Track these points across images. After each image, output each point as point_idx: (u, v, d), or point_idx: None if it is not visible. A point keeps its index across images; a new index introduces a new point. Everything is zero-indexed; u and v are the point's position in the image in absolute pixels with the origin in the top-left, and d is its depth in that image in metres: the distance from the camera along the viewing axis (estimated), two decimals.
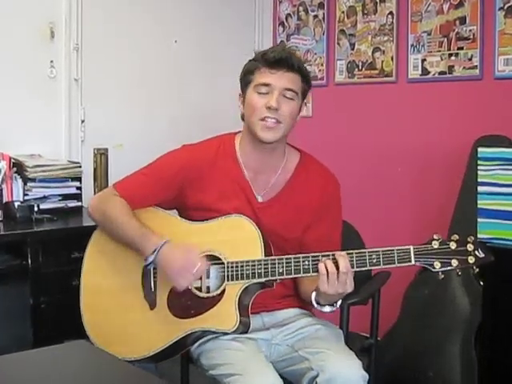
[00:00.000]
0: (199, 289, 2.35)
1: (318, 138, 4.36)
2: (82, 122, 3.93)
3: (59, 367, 1.79)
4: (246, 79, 2.40)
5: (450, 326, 3.31)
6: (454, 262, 2.20)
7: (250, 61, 2.43)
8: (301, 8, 4.56)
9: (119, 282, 2.44)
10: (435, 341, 3.32)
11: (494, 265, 3.01)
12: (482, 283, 3.22)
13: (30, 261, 3.08)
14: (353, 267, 2.22)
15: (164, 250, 2.29)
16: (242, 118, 2.45)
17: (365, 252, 2.24)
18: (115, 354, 2.12)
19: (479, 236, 2.99)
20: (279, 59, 2.33)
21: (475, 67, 3.66)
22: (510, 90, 3.54)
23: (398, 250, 2.21)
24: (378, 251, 2.23)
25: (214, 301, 2.33)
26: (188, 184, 2.42)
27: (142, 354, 2.36)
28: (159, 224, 2.43)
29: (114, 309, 2.44)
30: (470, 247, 2.21)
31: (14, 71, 3.68)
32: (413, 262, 2.21)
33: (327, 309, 2.31)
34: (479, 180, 3.05)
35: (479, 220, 3.02)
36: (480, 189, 3.05)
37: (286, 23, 4.67)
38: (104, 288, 2.46)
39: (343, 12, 4.30)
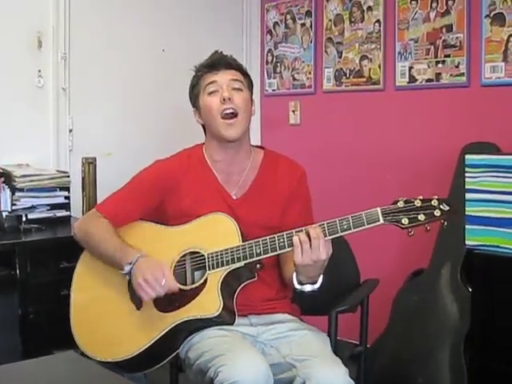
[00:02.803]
0: (183, 285, 2.41)
1: (306, 145, 4.37)
2: (70, 131, 3.93)
3: (48, 379, 1.79)
4: (194, 93, 2.60)
5: (439, 333, 3.31)
6: (421, 217, 2.24)
7: (192, 79, 2.63)
8: (288, 16, 4.57)
9: (107, 291, 2.49)
10: (424, 347, 3.32)
11: (482, 271, 3.03)
12: (470, 289, 3.24)
13: (18, 271, 3.07)
14: (326, 236, 2.27)
15: (138, 263, 2.36)
16: (204, 130, 2.61)
17: (335, 220, 2.28)
18: (106, 356, 2.16)
19: (467, 243, 3.00)
20: (215, 61, 2.55)
21: (462, 74, 3.68)
22: (496, 97, 3.56)
23: (366, 213, 2.27)
24: (348, 217, 2.27)
25: (197, 291, 2.39)
26: (166, 194, 2.52)
27: (132, 352, 2.37)
28: (139, 233, 2.52)
29: (103, 316, 2.48)
30: (434, 202, 2.25)
31: (2, 81, 3.67)
32: (381, 221, 2.25)
33: (308, 287, 2.35)
34: (467, 187, 3.07)
35: (467, 227, 3.03)
36: (468, 196, 3.06)
37: (273, 31, 4.68)
38: (92, 299, 2.51)
39: (330, 20, 4.31)
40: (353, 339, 2.84)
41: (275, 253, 2.34)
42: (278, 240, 2.32)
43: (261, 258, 2.35)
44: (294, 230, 2.31)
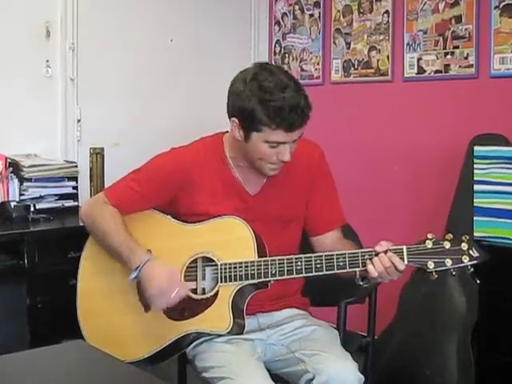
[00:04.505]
0: (194, 291, 2.36)
1: (314, 137, 4.34)
2: (78, 121, 3.93)
3: (57, 367, 1.79)
4: (250, 122, 2.24)
5: (447, 325, 3.31)
6: (448, 262, 2.17)
7: (254, 101, 2.21)
8: (296, 7, 4.56)
9: (114, 286, 2.43)
10: (432, 339, 3.32)
11: (490, 263, 3.02)
12: (478, 282, 3.23)
13: (26, 261, 3.08)
14: (345, 268, 2.23)
15: (146, 268, 2.27)
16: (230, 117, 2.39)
17: (358, 252, 2.24)
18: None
19: (475, 234, 3.00)
20: (295, 122, 2.23)
21: (471, 66, 3.66)
22: (505, 89, 3.54)
23: (391, 250, 2.20)
24: (371, 252, 2.22)
25: (208, 302, 2.33)
26: (179, 188, 2.41)
27: (137, 357, 2.36)
28: (152, 226, 2.44)
29: (110, 312, 2.44)
30: (464, 246, 2.18)
31: (10, 71, 3.67)
32: (405, 262, 2.19)
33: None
34: (475, 178, 3.06)
35: (475, 218, 3.03)
36: (476, 187, 3.06)
37: (281, 22, 4.67)
38: (99, 292, 2.46)
39: (339, 11, 4.30)
40: (360, 330, 2.83)
41: (291, 276, 2.28)
42: (296, 263, 2.27)
43: (275, 279, 2.29)
44: (312, 255, 2.27)
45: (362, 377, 2.22)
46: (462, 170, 3.46)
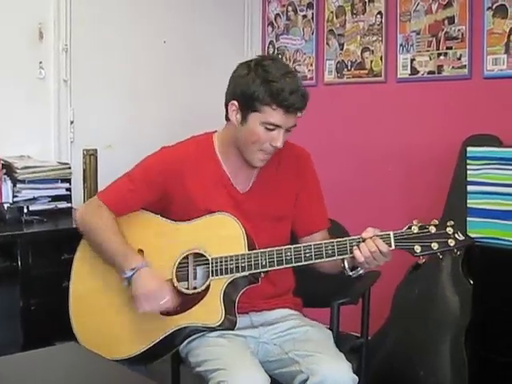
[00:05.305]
0: (186, 288, 2.38)
1: (307, 138, 4.34)
2: (72, 122, 3.92)
3: (51, 369, 1.79)
4: (250, 103, 2.31)
5: (440, 325, 3.31)
6: (435, 245, 2.22)
7: (257, 83, 2.30)
8: (290, 8, 4.56)
9: (107, 286, 2.45)
10: (425, 340, 3.33)
11: (483, 264, 3.03)
12: (471, 282, 3.24)
13: (19, 262, 3.07)
14: (334, 255, 2.28)
15: (142, 272, 2.31)
16: (227, 119, 2.44)
17: (345, 240, 2.28)
18: (105, 354, 2.12)
19: (468, 235, 3.00)
20: (295, 104, 2.29)
21: (464, 67, 3.67)
22: (498, 90, 3.55)
23: (378, 236, 2.26)
24: (359, 238, 2.27)
25: (199, 297, 2.35)
26: (170, 186, 2.44)
27: (130, 354, 2.37)
28: (142, 225, 2.47)
29: (102, 311, 2.45)
30: (449, 230, 2.22)
31: (3, 72, 3.66)
32: (393, 247, 2.24)
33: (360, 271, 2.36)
34: (468, 179, 3.07)
35: (469, 219, 3.03)
36: (469, 188, 3.06)
37: (275, 23, 4.67)
38: (92, 291, 2.48)
39: (332, 12, 4.31)
40: (354, 331, 2.84)
41: (281, 267, 2.31)
42: (285, 254, 2.30)
43: (265, 270, 2.32)
44: (301, 245, 2.31)
45: (356, 377, 2.23)
46: (455, 170, 3.47)
